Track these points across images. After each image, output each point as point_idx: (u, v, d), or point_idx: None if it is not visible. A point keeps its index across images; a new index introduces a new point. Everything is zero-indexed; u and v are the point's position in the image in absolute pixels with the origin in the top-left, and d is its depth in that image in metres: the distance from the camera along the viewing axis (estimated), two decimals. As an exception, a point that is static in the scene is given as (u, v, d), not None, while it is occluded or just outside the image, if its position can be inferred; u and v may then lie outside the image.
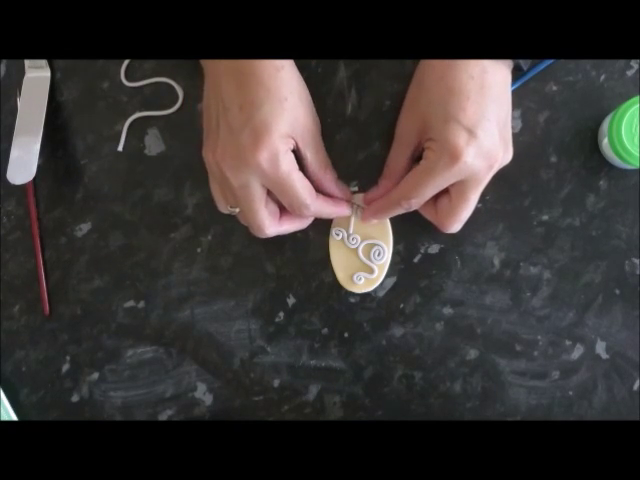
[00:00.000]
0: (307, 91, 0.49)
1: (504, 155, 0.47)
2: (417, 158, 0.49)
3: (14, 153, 0.54)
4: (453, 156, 0.45)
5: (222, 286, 0.56)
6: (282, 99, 0.45)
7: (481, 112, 0.45)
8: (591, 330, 0.54)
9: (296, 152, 0.48)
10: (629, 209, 0.53)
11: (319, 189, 0.51)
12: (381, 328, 0.55)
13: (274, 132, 0.45)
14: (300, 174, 0.47)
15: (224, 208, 0.50)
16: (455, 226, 0.50)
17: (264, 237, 0.50)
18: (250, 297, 0.56)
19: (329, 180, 0.51)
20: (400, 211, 0.50)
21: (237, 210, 0.49)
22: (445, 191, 0.48)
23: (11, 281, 0.58)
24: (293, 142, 0.47)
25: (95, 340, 0.57)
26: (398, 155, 0.50)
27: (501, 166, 0.48)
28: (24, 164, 0.54)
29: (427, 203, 0.50)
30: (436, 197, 0.49)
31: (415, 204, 0.49)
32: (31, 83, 0.57)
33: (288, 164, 0.46)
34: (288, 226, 0.51)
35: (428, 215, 0.52)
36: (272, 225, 0.49)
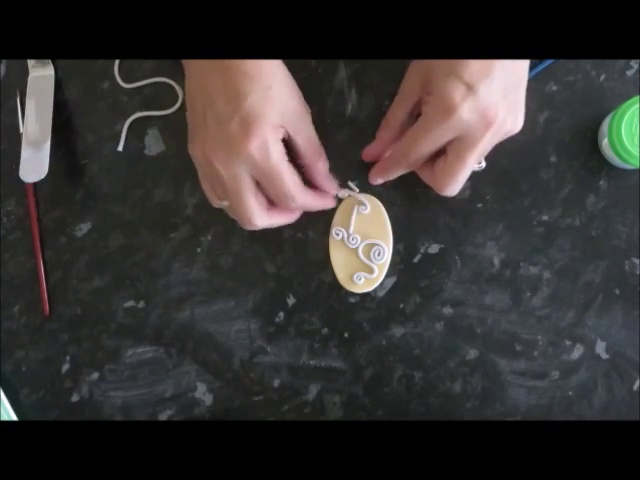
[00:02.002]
0: (292, 78, 0.49)
1: (508, 120, 0.46)
2: (417, 115, 0.48)
3: (25, 152, 0.54)
4: (448, 110, 0.44)
5: (222, 286, 0.56)
6: (267, 87, 0.45)
7: (486, 71, 0.44)
8: (591, 330, 0.54)
9: (287, 141, 0.48)
10: (629, 209, 0.53)
11: (310, 179, 0.51)
12: (381, 328, 0.55)
13: (263, 121, 0.45)
14: (288, 165, 0.47)
15: (215, 202, 0.50)
16: (450, 187, 0.49)
17: (253, 229, 0.49)
18: (250, 297, 0.56)
19: (321, 170, 0.51)
20: (400, 170, 0.50)
21: (226, 203, 0.49)
22: (443, 152, 0.48)
23: (11, 281, 0.58)
24: (283, 130, 0.47)
25: (95, 340, 0.57)
26: (397, 108, 0.50)
27: (506, 134, 0.47)
28: (36, 162, 0.54)
29: (425, 165, 0.49)
30: (434, 158, 0.49)
31: (414, 161, 0.48)
32: (36, 81, 0.57)
33: (277, 153, 0.46)
34: (277, 219, 0.50)
35: (425, 177, 0.51)
36: (261, 216, 0.49)
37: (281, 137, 0.47)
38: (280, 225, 0.51)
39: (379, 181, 0.53)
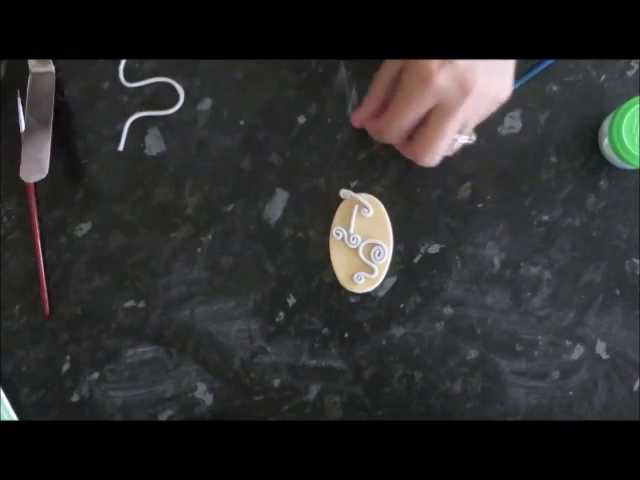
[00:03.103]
0: None
1: (492, 86, 0.46)
2: None
3: (25, 152, 0.54)
4: (424, 78, 0.44)
5: (222, 286, 0.56)
6: None
7: None
8: (591, 330, 0.54)
9: None
10: (629, 209, 0.53)
11: None
12: (381, 328, 0.55)
13: None
14: None
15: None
16: (429, 157, 0.49)
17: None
18: (250, 297, 0.56)
19: None
20: (384, 141, 0.51)
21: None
22: (423, 123, 0.48)
23: (11, 281, 0.58)
24: None
25: (95, 340, 0.57)
26: (383, 75, 0.50)
27: (493, 101, 0.47)
28: (36, 162, 0.54)
29: (404, 139, 0.50)
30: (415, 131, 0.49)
31: (397, 132, 0.49)
32: (37, 81, 0.57)
33: None
34: None
35: (405, 149, 0.51)
36: None
37: None
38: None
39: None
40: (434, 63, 0.44)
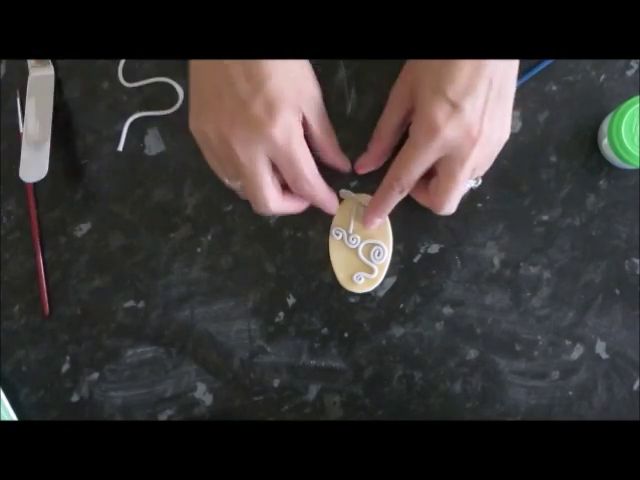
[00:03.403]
0: (308, 63, 0.49)
1: (495, 132, 0.46)
2: (408, 124, 0.49)
3: (25, 152, 0.54)
4: (432, 130, 0.45)
5: (222, 286, 0.56)
6: (288, 70, 0.46)
7: (471, 87, 0.44)
8: (591, 330, 0.54)
9: (303, 123, 0.48)
10: (629, 209, 0.53)
11: (323, 158, 0.52)
12: (381, 328, 0.55)
13: (287, 103, 0.44)
14: (307, 149, 0.47)
15: (226, 181, 0.50)
16: (447, 206, 0.49)
17: (267, 214, 0.49)
18: (250, 297, 0.56)
19: (333, 148, 0.52)
20: (395, 196, 0.50)
21: (239, 184, 0.49)
22: (435, 171, 0.48)
23: (11, 281, 0.58)
24: (301, 113, 0.47)
25: (95, 340, 0.57)
26: (388, 118, 0.51)
27: (497, 144, 0.48)
28: (36, 162, 0.54)
29: (420, 187, 0.50)
30: (428, 179, 0.49)
31: (406, 184, 0.49)
32: (36, 81, 0.57)
33: (299, 136, 0.46)
34: (289, 204, 0.50)
35: (421, 199, 0.52)
36: (276, 199, 0.48)
37: (301, 119, 0.47)
38: (289, 213, 0.51)
39: (377, 222, 0.53)
40: (441, 115, 0.44)
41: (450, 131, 0.44)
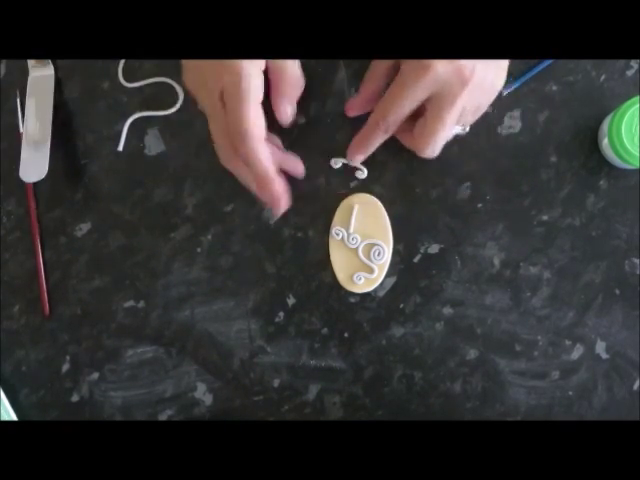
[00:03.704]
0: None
1: (488, 76, 0.46)
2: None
3: (25, 152, 0.54)
4: (424, 66, 0.44)
5: (222, 286, 0.56)
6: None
7: None
8: (591, 330, 0.54)
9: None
10: (629, 209, 0.53)
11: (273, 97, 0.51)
12: (381, 328, 0.55)
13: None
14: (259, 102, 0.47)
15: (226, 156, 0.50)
16: (430, 148, 0.49)
17: (242, 147, 0.47)
18: (250, 297, 0.56)
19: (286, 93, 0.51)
20: (380, 135, 0.50)
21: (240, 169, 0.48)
22: (422, 114, 0.48)
23: (11, 281, 0.58)
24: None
25: (95, 340, 0.57)
26: (379, 62, 0.50)
27: (490, 91, 0.47)
28: (36, 162, 0.54)
29: (405, 129, 0.49)
30: (413, 121, 0.49)
31: (392, 122, 0.48)
32: (36, 81, 0.57)
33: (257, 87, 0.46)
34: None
35: (406, 141, 0.51)
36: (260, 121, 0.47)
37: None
38: (244, 180, 0.51)
39: (358, 158, 0.52)
40: None
41: (442, 67, 0.44)
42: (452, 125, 0.47)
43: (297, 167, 0.53)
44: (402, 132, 0.50)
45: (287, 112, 0.51)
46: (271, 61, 0.48)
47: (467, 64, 0.44)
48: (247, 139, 0.46)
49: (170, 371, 0.57)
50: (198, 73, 0.48)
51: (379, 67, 0.50)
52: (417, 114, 0.48)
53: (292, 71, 0.49)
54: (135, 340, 0.57)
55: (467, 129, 0.51)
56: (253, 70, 0.45)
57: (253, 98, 0.46)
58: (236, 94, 0.45)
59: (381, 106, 0.49)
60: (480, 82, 0.46)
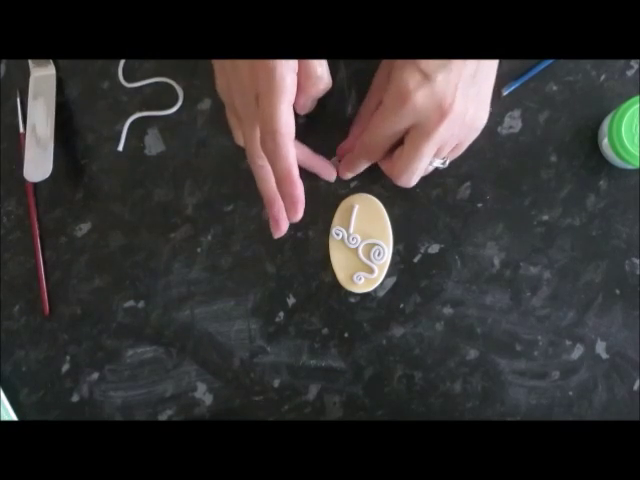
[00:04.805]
0: None
1: (468, 112, 0.46)
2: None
3: (30, 152, 0.54)
4: (402, 96, 0.45)
5: (222, 286, 0.56)
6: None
7: (444, 63, 0.44)
8: (591, 330, 0.54)
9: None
10: (629, 209, 0.53)
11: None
12: (381, 328, 0.55)
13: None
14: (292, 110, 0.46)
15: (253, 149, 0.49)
16: (405, 177, 0.49)
17: (271, 142, 0.46)
18: (250, 297, 0.56)
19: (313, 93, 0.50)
20: (365, 161, 0.51)
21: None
22: (401, 142, 0.48)
23: (11, 281, 0.58)
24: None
25: (95, 340, 0.57)
26: (368, 102, 0.52)
27: (470, 127, 0.48)
28: (40, 162, 0.54)
29: (386, 156, 0.50)
30: (394, 149, 0.49)
31: (374, 150, 0.49)
32: (39, 81, 0.57)
33: (290, 85, 0.45)
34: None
35: (385, 168, 0.52)
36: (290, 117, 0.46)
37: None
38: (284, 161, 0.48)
39: (348, 175, 0.54)
40: (412, 82, 0.45)
41: (420, 98, 0.44)
42: (429, 156, 0.48)
43: (326, 170, 0.54)
44: (383, 159, 0.51)
45: (305, 106, 0.52)
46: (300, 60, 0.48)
47: (447, 97, 0.45)
48: (277, 136, 0.46)
49: (170, 371, 0.57)
50: (233, 76, 0.47)
51: (367, 108, 0.52)
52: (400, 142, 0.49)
53: (312, 70, 0.48)
54: (135, 340, 0.57)
55: (447, 164, 0.51)
56: (287, 70, 0.45)
57: (286, 97, 0.46)
58: (270, 92, 0.45)
59: (365, 135, 0.50)
60: (459, 115, 0.46)
